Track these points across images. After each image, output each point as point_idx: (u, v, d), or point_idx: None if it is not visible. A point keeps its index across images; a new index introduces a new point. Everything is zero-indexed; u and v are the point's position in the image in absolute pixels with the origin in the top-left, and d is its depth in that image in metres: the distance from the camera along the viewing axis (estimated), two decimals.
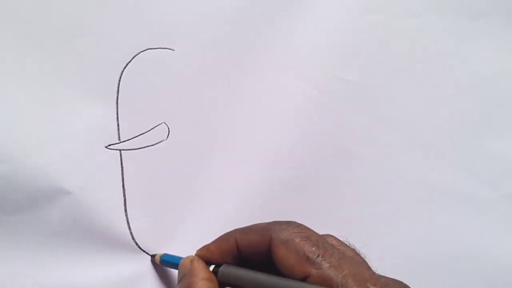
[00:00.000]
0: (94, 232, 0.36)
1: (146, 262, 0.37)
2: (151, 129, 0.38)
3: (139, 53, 0.37)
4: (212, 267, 0.32)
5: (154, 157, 0.38)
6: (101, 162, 0.36)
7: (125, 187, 0.37)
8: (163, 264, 0.36)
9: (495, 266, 0.41)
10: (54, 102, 0.36)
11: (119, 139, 0.37)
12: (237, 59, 0.39)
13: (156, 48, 0.38)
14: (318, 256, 0.28)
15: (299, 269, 0.28)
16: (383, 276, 0.29)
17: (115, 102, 0.37)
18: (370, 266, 0.30)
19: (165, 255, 0.36)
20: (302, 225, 0.30)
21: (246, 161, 0.39)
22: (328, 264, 0.27)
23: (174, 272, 0.37)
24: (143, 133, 0.37)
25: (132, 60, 0.37)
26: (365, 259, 0.31)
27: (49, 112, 0.36)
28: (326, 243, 0.29)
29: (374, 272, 0.29)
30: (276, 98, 0.40)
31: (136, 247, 0.37)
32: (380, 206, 0.41)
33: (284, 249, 0.29)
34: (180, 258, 0.34)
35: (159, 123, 0.38)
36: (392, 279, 0.29)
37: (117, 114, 0.37)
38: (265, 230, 0.30)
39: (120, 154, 0.37)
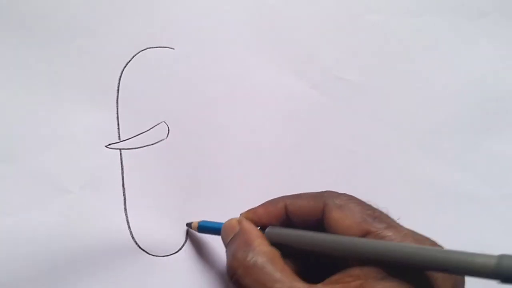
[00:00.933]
0: (94, 231, 0.36)
1: (146, 262, 0.37)
2: (151, 128, 0.38)
3: (139, 52, 0.37)
4: (258, 228, 0.32)
5: (154, 156, 0.38)
6: (101, 162, 0.36)
7: (125, 186, 0.37)
8: (201, 230, 0.36)
9: None
10: (54, 101, 0.36)
11: (119, 138, 0.37)
12: (237, 58, 0.39)
13: (156, 47, 0.38)
14: (375, 217, 0.28)
15: (357, 229, 0.28)
16: (434, 241, 0.30)
17: (115, 101, 0.37)
18: None
19: (203, 221, 0.36)
20: (353, 196, 0.31)
21: (246, 161, 0.39)
22: (386, 225, 0.28)
23: (175, 272, 0.37)
24: (143, 132, 0.37)
25: (132, 59, 0.37)
26: None
27: (49, 111, 0.36)
28: (380, 210, 0.30)
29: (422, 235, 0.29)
30: (276, 98, 0.40)
31: (136, 246, 0.37)
32: (380, 206, 0.41)
33: (339, 212, 0.29)
34: (219, 224, 0.34)
35: (159, 122, 0.38)
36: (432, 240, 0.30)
37: (117, 113, 0.37)
38: (318, 197, 0.31)
39: (120, 153, 0.37)
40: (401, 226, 0.28)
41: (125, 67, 0.37)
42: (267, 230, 0.32)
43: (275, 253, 0.30)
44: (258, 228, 0.32)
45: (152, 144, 0.38)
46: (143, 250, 0.37)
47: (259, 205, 0.34)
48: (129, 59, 0.37)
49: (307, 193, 0.32)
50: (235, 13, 0.39)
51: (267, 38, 0.40)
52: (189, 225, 0.37)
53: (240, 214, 0.34)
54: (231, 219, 0.34)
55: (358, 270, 0.27)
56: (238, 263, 0.30)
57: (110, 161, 0.37)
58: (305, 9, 0.40)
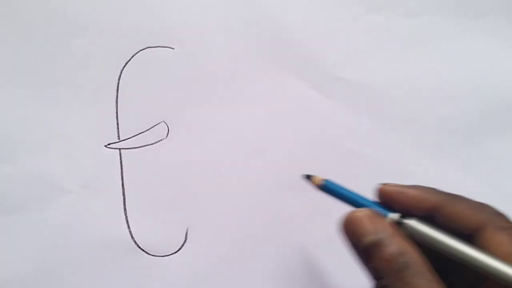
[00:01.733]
0: (94, 231, 0.36)
1: (146, 262, 0.37)
2: (151, 128, 0.38)
3: (138, 51, 0.37)
4: (396, 215, 0.29)
5: (153, 156, 0.38)
6: (101, 161, 0.36)
7: (124, 186, 0.37)
8: (324, 189, 0.31)
9: None
10: (54, 101, 0.36)
11: (119, 138, 0.37)
12: (236, 58, 0.39)
13: (156, 47, 0.38)
14: None
15: None
16: None
17: (114, 101, 0.37)
18: None
19: (329, 182, 0.31)
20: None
21: (245, 161, 0.39)
22: None
23: (174, 272, 0.37)
24: (142, 132, 0.37)
25: (132, 59, 0.37)
26: None
27: (49, 111, 0.36)
28: None
29: None
30: (275, 98, 0.40)
31: (136, 246, 0.37)
32: None
33: (501, 236, 0.27)
34: (347, 190, 0.31)
35: (158, 122, 0.38)
36: None
37: (117, 113, 0.37)
38: (478, 212, 0.28)
39: (120, 153, 0.37)
40: None
41: (124, 66, 0.37)
42: (413, 225, 0.28)
43: (426, 263, 0.26)
44: (398, 215, 0.29)
45: (151, 144, 0.38)
46: (143, 250, 0.37)
47: (411, 187, 0.30)
48: (129, 58, 0.37)
49: (466, 199, 0.29)
50: (235, 13, 0.39)
51: (267, 38, 0.40)
52: (308, 177, 0.32)
53: (387, 186, 0.30)
54: (375, 213, 0.29)
55: None
56: (397, 274, 0.26)
57: (109, 161, 0.37)
58: (305, 9, 0.40)
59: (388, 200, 0.30)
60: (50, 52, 0.36)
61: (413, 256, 0.26)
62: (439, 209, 0.29)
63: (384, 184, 0.31)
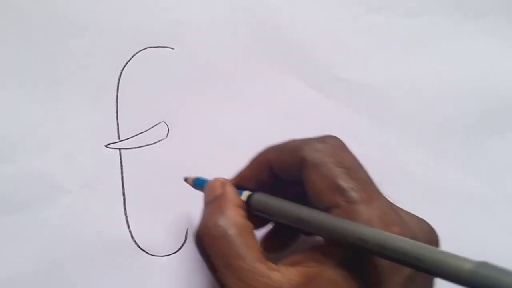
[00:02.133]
0: (94, 231, 0.36)
1: (146, 262, 0.37)
2: (151, 128, 0.38)
3: (138, 51, 0.37)
4: (246, 194, 0.31)
5: (153, 156, 0.38)
6: (101, 161, 0.36)
7: (124, 186, 0.37)
8: (196, 187, 0.34)
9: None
10: (54, 101, 0.36)
11: (119, 138, 0.37)
12: (236, 58, 0.39)
13: (156, 47, 0.38)
14: (350, 188, 0.26)
15: (327, 198, 0.26)
16: (406, 215, 0.28)
17: (114, 101, 0.37)
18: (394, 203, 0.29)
19: (199, 178, 0.34)
20: (338, 143, 0.29)
21: (246, 160, 0.39)
22: (359, 198, 0.26)
23: (175, 272, 0.37)
24: (142, 132, 0.37)
25: (132, 59, 0.37)
26: (388, 198, 0.29)
27: (49, 111, 0.36)
28: (361, 172, 0.28)
29: (400, 213, 0.27)
30: (275, 98, 0.40)
31: (136, 246, 0.37)
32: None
33: (315, 174, 0.27)
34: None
35: (158, 122, 0.38)
36: (415, 218, 0.28)
37: (117, 113, 0.37)
38: (298, 150, 0.29)
39: (120, 153, 0.37)
40: (377, 201, 0.26)
41: (124, 66, 0.37)
42: (253, 197, 0.30)
43: (247, 226, 0.28)
44: (248, 193, 0.31)
45: (151, 144, 0.38)
46: (143, 250, 0.37)
47: (246, 167, 0.32)
48: (129, 58, 0.37)
49: (289, 143, 0.30)
50: (235, 13, 0.39)
51: (267, 38, 0.40)
52: (185, 179, 0.35)
53: (231, 179, 0.32)
54: (217, 179, 0.32)
55: (316, 254, 0.26)
56: (206, 230, 0.28)
57: (109, 161, 0.37)
58: (305, 9, 0.41)
59: (239, 185, 0.31)
60: (50, 52, 0.36)
61: (234, 226, 0.28)
62: (273, 169, 0.30)
63: (232, 179, 0.32)
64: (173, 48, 0.38)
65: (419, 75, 0.42)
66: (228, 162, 0.39)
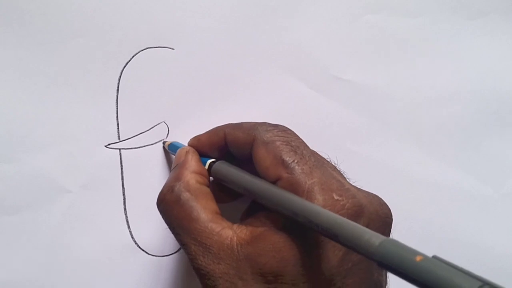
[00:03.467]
0: (94, 231, 0.36)
1: (146, 262, 0.37)
2: (151, 128, 0.38)
3: (138, 52, 0.37)
4: (209, 161, 0.33)
5: (153, 156, 0.38)
6: (101, 161, 0.36)
7: (124, 186, 0.37)
8: (170, 150, 0.36)
9: (496, 266, 0.41)
10: (54, 101, 0.36)
11: (119, 138, 0.37)
12: (236, 58, 0.39)
13: (156, 47, 0.38)
14: (293, 161, 0.28)
15: (273, 171, 0.29)
16: (355, 188, 0.29)
17: (115, 101, 0.37)
18: (347, 180, 0.30)
19: (173, 144, 0.36)
20: (289, 130, 0.31)
21: None
22: (300, 170, 0.28)
23: (175, 272, 0.37)
24: (142, 132, 0.37)
25: (132, 59, 0.37)
26: (343, 173, 0.31)
27: (49, 111, 0.36)
28: (306, 150, 0.30)
29: (345, 184, 0.29)
30: (275, 98, 0.40)
31: (136, 246, 0.37)
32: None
33: (263, 150, 0.29)
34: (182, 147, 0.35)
35: (158, 122, 0.38)
36: (365, 192, 0.29)
37: (117, 113, 0.37)
38: (251, 129, 0.31)
39: (120, 153, 0.37)
40: (318, 171, 0.28)
41: (124, 67, 0.37)
42: (214, 165, 0.32)
43: (202, 190, 0.30)
44: (211, 160, 0.33)
45: (152, 144, 0.38)
46: (143, 250, 0.37)
47: (204, 133, 0.34)
48: (129, 59, 0.37)
49: (246, 123, 0.32)
50: (235, 13, 0.39)
51: (267, 38, 0.40)
52: (164, 143, 0.37)
53: (189, 140, 0.35)
54: (182, 148, 0.34)
55: (265, 217, 0.28)
56: (162, 196, 0.31)
57: (109, 161, 0.37)
58: (305, 9, 0.40)
59: (198, 148, 0.34)
60: (50, 52, 0.36)
61: (189, 190, 0.30)
62: (226, 142, 0.32)
63: (189, 140, 0.35)
64: (173, 48, 0.38)
65: (419, 75, 0.42)
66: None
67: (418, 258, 0.21)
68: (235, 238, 0.28)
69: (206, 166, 0.33)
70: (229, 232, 0.28)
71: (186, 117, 0.38)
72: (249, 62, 0.39)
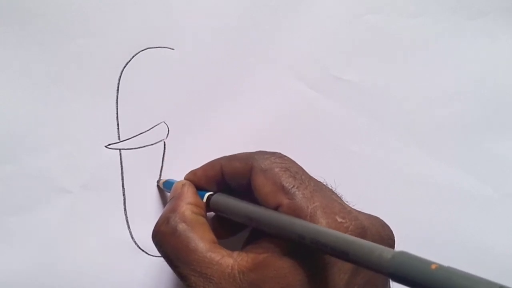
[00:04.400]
0: (94, 231, 0.36)
1: (146, 262, 0.37)
2: (151, 128, 0.38)
3: (138, 52, 0.37)
4: (207, 195, 0.33)
5: (153, 156, 0.38)
6: (101, 162, 0.36)
7: (124, 186, 0.37)
8: (165, 188, 0.36)
9: (496, 266, 0.41)
10: (54, 101, 0.36)
11: (119, 139, 0.37)
12: (236, 58, 0.39)
13: (156, 47, 0.38)
14: (293, 186, 0.28)
15: (273, 198, 0.29)
16: (356, 211, 0.29)
17: (115, 101, 0.37)
18: (346, 203, 0.30)
19: (168, 181, 0.36)
20: (285, 156, 0.31)
21: None
22: (301, 195, 0.28)
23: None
24: (142, 133, 0.37)
25: (132, 59, 0.37)
26: (341, 197, 0.31)
27: (49, 111, 0.36)
28: (304, 175, 0.30)
29: (347, 206, 0.29)
30: (275, 98, 0.40)
31: (136, 246, 0.37)
32: (379, 206, 0.40)
33: (262, 177, 0.29)
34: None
35: (158, 122, 0.38)
36: (367, 214, 0.30)
37: (117, 113, 0.37)
38: (248, 158, 0.31)
39: (120, 154, 0.37)
40: (318, 195, 0.28)
41: (125, 67, 0.37)
42: (212, 197, 0.32)
43: (198, 220, 0.30)
44: (208, 193, 0.33)
45: (152, 144, 0.38)
46: (143, 250, 0.37)
47: (200, 167, 0.34)
48: (129, 59, 0.37)
49: (241, 153, 0.32)
50: (235, 13, 0.39)
51: (267, 38, 0.40)
52: (158, 181, 0.37)
53: (185, 175, 0.35)
54: (179, 181, 0.34)
55: (268, 243, 0.28)
56: (158, 227, 0.31)
57: (109, 161, 0.37)
58: (305, 9, 0.40)
59: (194, 183, 0.34)
60: (51, 53, 0.36)
61: (185, 221, 0.30)
62: (223, 174, 0.32)
63: (186, 175, 0.35)
64: (173, 49, 0.38)
65: (419, 75, 0.42)
66: None
67: (433, 267, 0.21)
68: (236, 266, 0.27)
69: (204, 199, 0.32)
70: (229, 261, 0.28)
71: (186, 117, 0.38)
72: (249, 62, 0.39)
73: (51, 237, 0.35)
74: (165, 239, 0.30)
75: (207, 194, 0.33)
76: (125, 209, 0.37)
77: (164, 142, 0.38)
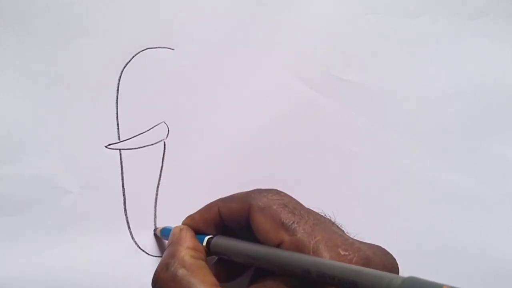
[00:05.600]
0: (94, 231, 0.36)
1: (146, 262, 0.37)
2: (151, 128, 0.38)
3: (138, 52, 0.37)
4: (206, 238, 0.32)
5: (153, 156, 0.38)
6: (101, 162, 0.36)
7: (124, 187, 0.37)
8: (163, 236, 0.36)
9: (496, 266, 0.41)
10: (54, 102, 0.36)
11: (119, 139, 0.37)
12: (236, 59, 0.39)
13: (156, 48, 0.38)
14: (293, 222, 0.28)
15: (274, 235, 0.28)
16: (358, 242, 0.29)
17: (115, 101, 0.37)
18: (347, 233, 0.30)
19: (165, 228, 0.36)
20: (282, 192, 0.31)
21: (245, 161, 0.39)
22: (302, 231, 0.28)
23: None
24: (142, 133, 0.37)
25: (132, 60, 0.37)
26: (341, 227, 0.31)
27: (49, 111, 0.36)
28: (303, 210, 0.30)
29: (348, 238, 0.29)
30: (276, 98, 0.40)
31: (136, 246, 0.37)
32: (380, 206, 0.41)
33: (261, 216, 0.29)
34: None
35: (158, 122, 0.38)
36: (369, 244, 0.29)
37: (117, 113, 0.37)
38: (245, 198, 0.31)
39: (120, 154, 0.37)
40: (319, 229, 0.28)
41: (125, 67, 0.37)
42: (212, 240, 0.32)
43: (198, 264, 0.30)
44: (208, 237, 0.32)
45: (151, 144, 0.38)
46: (143, 250, 0.37)
47: (197, 211, 0.34)
48: (129, 59, 0.37)
49: (238, 193, 0.32)
50: (235, 13, 0.39)
51: (267, 38, 0.40)
52: (155, 230, 0.37)
53: (183, 220, 0.35)
54: (176, 226, 0.34)
55: (272, 282, 0.28)
56: (157, 274, 0.30)
57: (109, 161, 0.37)
58: (305, 9, 0.40)
59: (193, 227, 0.34)
60: (51, 53, 0.36)
61: (184, 266, 0.29)
62: (220, 216, 0.32)
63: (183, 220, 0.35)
64: (173, 49, 0.38)
65: (418, 75, 0.42)
66: (228, 162, 0.39)
67: None
68: None
69: (204, 243, 0.32)
70: None
71: (186, 117, 0.38)
72: (249, 62, 0.39)
73: (51, 238, 0.35)
74: (166, 286, 0.29)
75: (206, 238, 0.32)
76: (125, 209, 0.37)
77: (164, 142, 0.38)
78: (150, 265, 0.37)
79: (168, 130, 0.38)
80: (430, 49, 0.42)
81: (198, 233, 0.33)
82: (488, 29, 0.43)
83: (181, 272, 0.29)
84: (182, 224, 0.34)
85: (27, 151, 0.35)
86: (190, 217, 0.34)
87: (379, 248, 0.30)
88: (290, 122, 0.40)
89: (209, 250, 0.32)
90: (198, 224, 0.33)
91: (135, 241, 0.37)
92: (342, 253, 0.27)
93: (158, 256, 0.37)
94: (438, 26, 0.42)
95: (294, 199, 0.31)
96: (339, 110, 0.41)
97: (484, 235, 0.42)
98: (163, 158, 0.38)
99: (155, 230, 0.37)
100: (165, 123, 0.38)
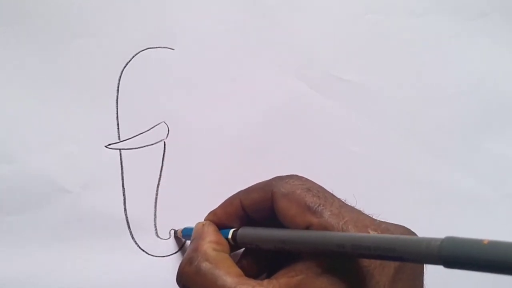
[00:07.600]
0: (94, 231, 0.36)
1: (146, 262, 0.37)
2: (151, 128, 0.38)
3: (139, 52, 0.37)
4: (231, 231, 0.32)
5: (153, 156, 0.38)
6: (101, 162, 0.36)
7: (124, 187, 0.37)
8: (185, 237, 0.36)
9: None
10: (54, 101, 0.36)
11: (119, 139, 0.37)
12: (236, 58, 0.39)
13: (156, 48, 0.38)
14: (319, 205, 0.28)
15: (301, 219, 0.28)
16: (384, 222, 0.29)
17: (115, 101, 0.37)
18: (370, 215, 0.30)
19: (186, 228, 0.36)
20: (303, 177, 0.31)
21: (245, 160, 0.39)
22: (329, 213, 0.28)
23: (174, 273, 0.37)
24: (143, 133, 0.37)
25: (132, 59, 0.37)
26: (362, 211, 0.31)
27: (49, 111, 0.36)
28: (326, 193, 0.30)
29: (375, 219, 0.29)
30: (276, 98, 0.40)
31: (136, 246, 0.37)
32: (379, 206, 0.40)
33: (285, 201, 0.29)
34: None
35: (159, 122, 0.38)
36: (394, 224, 0.29)
37: (117, 113, 0.37)
38: (267, 186, 0.31)
39: (120, 154, 0.37)
40: (346, 211, 0.28)
41: (125, 67, 0.37)
42: (238, 232, 0.32)
43: (221, 256, 0.30)
44: (233, 230, 0.32)
45: (152, 144, 0.38)
46: (143, 250, 0.37)
47: (218, 206, 0.34)
48: (129, 59, 0.37)
49: (258, 183, 0.32)
50: (235, 13, 0.39)
51: (267, 38, 0.40)
52: (175, 232, 0.37)
53: (205, 217, 0.34)
54: (199, 222, 0.34)
55: (301, 265, 0.27)
56: (182, 269, 0.30)
57: (110, 161, 0.37)
58: (305, 9, 0.41)
59: (217, 223, 0.34)
60: (51, 53, 0.36)
61: (207, 260, 0.30)
62: (243, 207, 0.32)
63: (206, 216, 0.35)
64: (173, 49, 0.38)
65: (419, 75, 0.42)
66: (228, 162, 0.39)
67: (485, 242, 0.20)
68: None
69: (230, 235, 0.32)
70: None
71: (186, 117, 0.38)
72: (249, 62, 0.39)
73: (51, 238, 0.35)
74: (191, 280, 0.29)
75: (231, 231, 0.32)
76: (125, 209, 0.37)
77: (164, 142, 0.38)
78: (150, 265, 0.37)
79: (168, 130, 0.38)
80: (430, 49, 0.42)
81: (221, 227, 0.33)
82: (488, 29, 0.43)
83: (205, 265, 0.29)
84: (205, 220, 0.34)
85: (27, 150, 0.35)
86: (212, 213, 0.34)
87: (405, 228, 0.29)
88: (290, 122, 0.40)
89: (235, 242, 0.32)
90: (220, 219, 0.33)
91: (135, 241, 0.37)
92: (372, 232, 0.27)
93: (158, 256, 0.37)
94: (438, 26, 0.42)
95: (316, 184, 0.31)
96: (339, 110, 0.41)
97: (484, 235, 0.41)
98: (163, 158, 0.38)
99: (175, 232, 0.37)
100: (165, 123, 0.38)
